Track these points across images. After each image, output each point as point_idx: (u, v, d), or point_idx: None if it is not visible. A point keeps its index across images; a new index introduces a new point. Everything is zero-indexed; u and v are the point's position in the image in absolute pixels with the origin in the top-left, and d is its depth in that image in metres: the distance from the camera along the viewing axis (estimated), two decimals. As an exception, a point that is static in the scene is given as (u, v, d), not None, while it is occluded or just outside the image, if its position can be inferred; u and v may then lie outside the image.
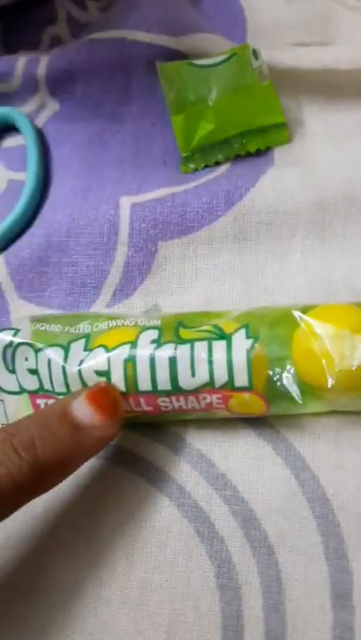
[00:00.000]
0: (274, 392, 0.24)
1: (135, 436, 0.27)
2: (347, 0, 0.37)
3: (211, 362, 0.24)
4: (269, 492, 0.26)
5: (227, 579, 0.25)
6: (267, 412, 0.25)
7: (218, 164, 0.33)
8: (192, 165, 0.32)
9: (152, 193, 0.32)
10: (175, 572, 0.25)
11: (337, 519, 0.25)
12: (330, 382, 0.23)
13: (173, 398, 0.24)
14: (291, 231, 0.30)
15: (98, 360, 0.25)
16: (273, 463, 0.26)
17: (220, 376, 0.24)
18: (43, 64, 0.36)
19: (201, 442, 0.27)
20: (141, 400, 0.25)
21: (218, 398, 0.24)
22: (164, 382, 0.24)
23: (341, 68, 0.32)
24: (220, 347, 0.24)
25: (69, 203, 0.33)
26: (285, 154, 0.33)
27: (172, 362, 0.24)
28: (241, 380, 0.24)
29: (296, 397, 0.24)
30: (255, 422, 0.27)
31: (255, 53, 0.32)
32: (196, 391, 0.24)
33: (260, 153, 0.33)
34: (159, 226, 0.31)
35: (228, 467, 0.26)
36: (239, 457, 0.27)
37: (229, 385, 0.24)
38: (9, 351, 0.26)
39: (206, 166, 0.33)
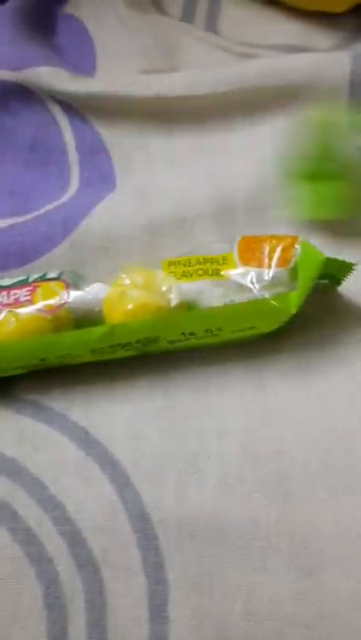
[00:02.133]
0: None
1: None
2: (190, 29, 0.38)
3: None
4: (94, 510, 0.27)
5: (53, 598, 0.25)
6: (67, 297, 0.27)
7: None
8: None
9: (-5, 224, 0.33)
10: (5, 595, 0.26)
11: (155, 533, 0.26)
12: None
13: None
14: (126, 255, 0.31)
15: None
16: (100, 482, 0.27)
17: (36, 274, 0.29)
18: None
19: (34, 465, 0.28)
20: None
21: (27, 291, 0.28)
22: None
23: (173, 94, 0.33)
24: None
25: None
26: (127, 180, 0.34)
27: None
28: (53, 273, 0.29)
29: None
30: (84, 442, 0.28)
31: None
32: (9, 287, 0.28)
33: (102, 178, 0.34)
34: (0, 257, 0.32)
35: (58, 488, 0.27)
36: (70, 478, 0.27)
37: (41, 278, 0.28)
38: None
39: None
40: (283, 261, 0.27)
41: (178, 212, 0.31)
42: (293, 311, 0.27)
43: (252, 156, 0.34)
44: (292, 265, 0.27)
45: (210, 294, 0.26)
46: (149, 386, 0.29)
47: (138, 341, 0.27)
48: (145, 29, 0.38)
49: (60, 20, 0.40)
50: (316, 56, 0.34)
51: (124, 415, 0.28)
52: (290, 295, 0.27)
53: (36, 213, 0.33)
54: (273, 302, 0.26)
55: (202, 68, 0.37)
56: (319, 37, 0.38)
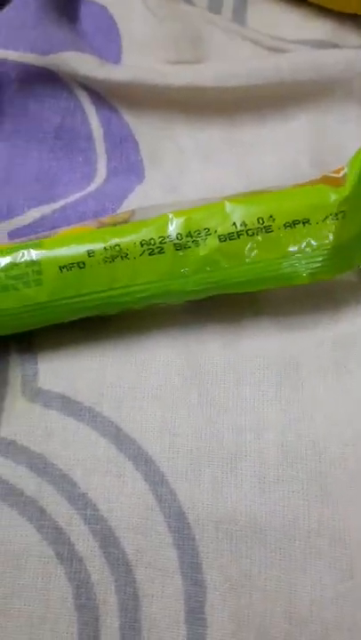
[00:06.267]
0: None
1: (-8, 460, 0.27)
2: (219, 20, 0.37)
3: None
4: (128, 508, 0.26)
5: (85, 599, 0.25)
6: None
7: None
8: None
9: (21, 217, 0.31)
10: (34, 596, 0.25)
11: (192, 533, 0.25)
12: None
13: None
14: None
15: None
16: (133, 479, 0.26)
17: None
18: None
19: (62, 461, 0.27)
20: None
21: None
22: None
23: (205, 85, 0.33)
24: None
25: None
26: (155, 171, 0.33)
27: None
28: None
29: None
30: (115, 438, 0.27)
31: None
32: None
33: (130, 168, 0.33)
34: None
35: (89, 486, 0.26)
36: (101, 475, 0.26)
37: None
38: None
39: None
40: None
41: (210, 205, 0.30)
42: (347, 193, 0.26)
43: (284, 150, 0.33)
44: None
45: None
46: (183, 380, 0.28)
47: (188, 235, 0.27)
48: (171, 18, 0.37)
49: (84, 5, 0.39)
50: (351, 52, 0.33)
51: (156, 410, 0.28)
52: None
53: (62, 202, 0.32)
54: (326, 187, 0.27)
55: (231, 60, 0.36)
56: (350, 35, 0.37)
